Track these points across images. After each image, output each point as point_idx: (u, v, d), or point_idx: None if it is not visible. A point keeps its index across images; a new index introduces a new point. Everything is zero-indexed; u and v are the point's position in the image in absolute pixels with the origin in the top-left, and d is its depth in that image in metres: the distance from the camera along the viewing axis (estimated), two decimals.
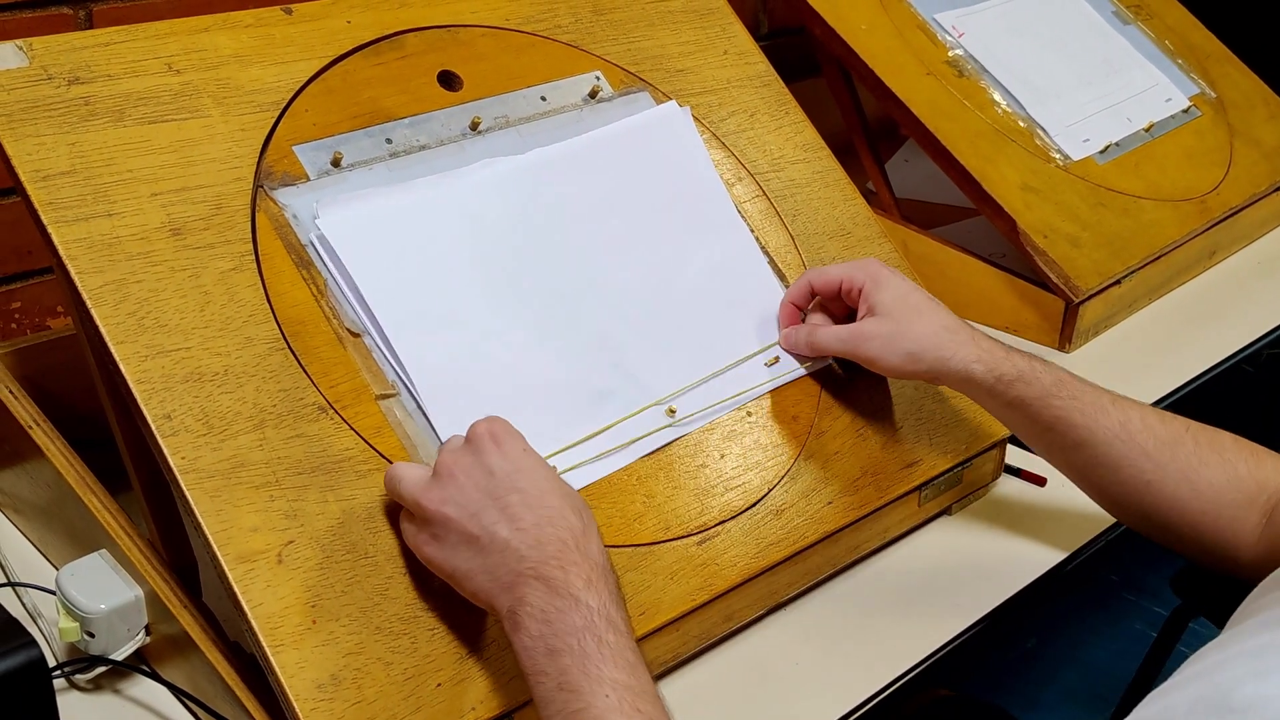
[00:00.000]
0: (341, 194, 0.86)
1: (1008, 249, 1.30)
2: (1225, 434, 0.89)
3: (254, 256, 0.81)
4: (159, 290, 0.77)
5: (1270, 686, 0.55)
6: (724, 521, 0.88)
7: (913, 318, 0.91)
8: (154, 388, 0.74)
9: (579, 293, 0.91)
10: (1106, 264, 1.29)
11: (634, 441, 0.87)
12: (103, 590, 0.81)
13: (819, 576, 0.93)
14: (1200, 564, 0.90)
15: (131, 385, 0.73)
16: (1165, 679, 0.60)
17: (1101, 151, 1.40)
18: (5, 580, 0.92)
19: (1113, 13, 1.60)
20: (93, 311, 0.74)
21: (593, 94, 1.02)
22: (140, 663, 0.84)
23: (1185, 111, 1.53)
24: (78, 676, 0.83)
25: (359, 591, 0.74)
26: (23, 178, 0.76)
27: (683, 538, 0.86)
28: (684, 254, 0.98)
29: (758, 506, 0.89)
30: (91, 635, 0.81)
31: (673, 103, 1.05)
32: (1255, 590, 0.69)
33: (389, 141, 0.91)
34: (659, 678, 0.84)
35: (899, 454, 0.97)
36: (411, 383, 0.82)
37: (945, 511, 1.02)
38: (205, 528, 0.71)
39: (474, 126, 0.95)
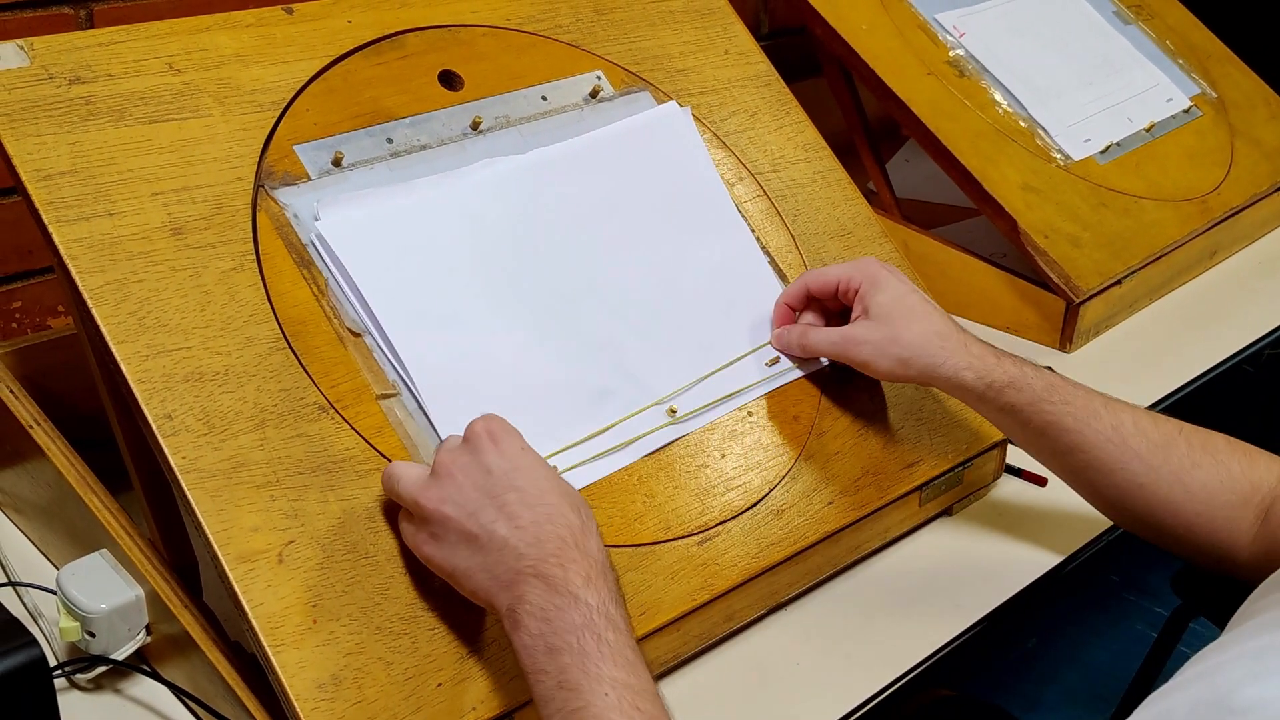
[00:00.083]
0: (342, 194, 0.86)
1: (1008, 249, 1.30)
2: (1218, 435, 0.89)
3: (255, 256, 0.81)
4: (160, 290, 0.77)
5: (1270, 688, 0.55)
6: (725, 521, 0.88)
7: (905, 322, 0.90)
8: (155, 387, 0.74)
9: (580, 292, 0.91)
10: (1107, 264, 1.29)
11: (634, 441, 0.87)
12: (103, 590, 0.81)
13: (820, 576, 0.93)
14: (1197, 565, 0.90)
15: (132, 385, 0.73)
16: (1166, 679, 0.60)
17: (1102, 151, 1.40)
18: (6, 580, 0.92)
19: (1113, 13, 1.60)
20: (93, 311, 0.74)
21: (594, 94, 1.02)
22: (141, 662, 0.84)
23: (1186, 111, 1.53)
24: (78, 676, 0.83)
25: (360, 591, 0.74)
26: (24, 177, 0.76)
27: (683, 537, 0.86)
28: (685, 254, 0.98)
29: (758, 506, 0.89)
30: (92, 635, 0.81)
31: (673, 103, 1.05)
32: (1255, 592, 0.69)
33: (390, 141, 0.91)
34: (659, 677, 0.84)
35: (899, 454, 0.97)
36: (412, 382, 0.82)
37: (946, 512, 1.02)
38: (206, 527, 0.71)
39: (475, 126, 0.95)
